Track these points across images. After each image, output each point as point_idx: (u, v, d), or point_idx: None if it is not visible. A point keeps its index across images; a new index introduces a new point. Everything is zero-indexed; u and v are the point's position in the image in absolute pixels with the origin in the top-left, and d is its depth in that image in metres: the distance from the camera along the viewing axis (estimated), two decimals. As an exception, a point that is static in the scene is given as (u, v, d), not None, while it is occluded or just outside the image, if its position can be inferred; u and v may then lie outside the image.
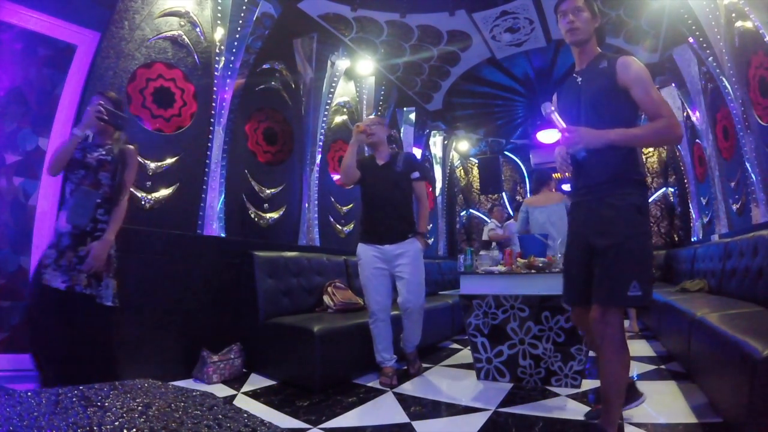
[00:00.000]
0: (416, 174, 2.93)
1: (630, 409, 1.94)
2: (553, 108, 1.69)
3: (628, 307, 1.61)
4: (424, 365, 3.27)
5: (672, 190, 6.43)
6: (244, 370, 3.00)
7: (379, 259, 2.81)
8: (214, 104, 3.29)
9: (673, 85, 4.84)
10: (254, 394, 2.54)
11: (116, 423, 0.73)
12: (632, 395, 1.94)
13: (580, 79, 1.75)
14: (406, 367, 3.03)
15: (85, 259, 1.99)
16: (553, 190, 4.21)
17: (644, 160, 6.65)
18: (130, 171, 2.21)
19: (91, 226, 2.05)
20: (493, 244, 5.84)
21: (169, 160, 3.03)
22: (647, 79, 1.59)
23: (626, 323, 3.93)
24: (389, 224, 2.82)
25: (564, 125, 1.64)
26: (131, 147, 2.23)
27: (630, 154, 1.64)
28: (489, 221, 6.60)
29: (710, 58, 3.58)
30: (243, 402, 2.41)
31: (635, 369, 2.92)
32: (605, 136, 1.55)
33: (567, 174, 1.77)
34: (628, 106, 1.62)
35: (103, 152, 2.14)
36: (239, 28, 3.38)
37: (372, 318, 2.80)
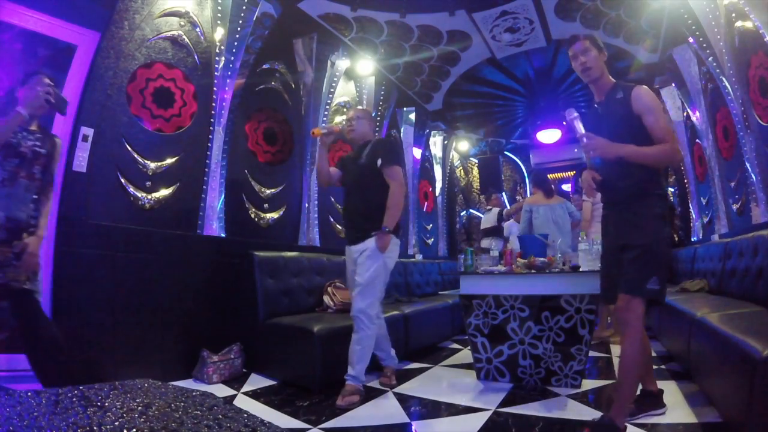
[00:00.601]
0: (379, 161, 2.58)
1: (650, 417, 1.95)
2: (576, 114, 1.88)
3: (647, 299, 1.78)
4: (425, 365, 3.27)
5: (672, 190, 6.42)
6: (244, 370, 3.00)
7: (351, 260, 2.66)
8: (214, 104, 3.29)
9: (673, 85, 4.83)
10: (254, 394, 2.54)
11: (116, 423, 0.74)
12: (657, 403, 2.00)
13: (600, 110, 1.97)
14: (405, 367, 3.00)
15: (21, 255, 1.94)
16: (552, 189, 4.26)
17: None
18: (56, 165, 2.14)
19: (26, 221, 2.00)
20: (493, 244, 5.84)
21: (169, 160, 3.03)
22: (657, 108, 1.82)
23: None
24: (353, 223, 2.63)
25: (583, 131, 1.83)
26: (59, 139, 2.16)
27: (648, 171, 1.83)
28: (485, 212, 6.55)
29: (710, 58, 3.58)
30: (243, 402, 2.41)
31: (635, 369, 2.92)
32: (618, 149, 1.78)
33: (592, 195, 1.90)
34: (643, 130, 1.82)
35: (38, 143, 2.05)
36: (239, 28, 3.38)
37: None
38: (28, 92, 2.01)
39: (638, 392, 2.03)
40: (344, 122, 2.65)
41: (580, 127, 1.85)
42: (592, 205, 3.98)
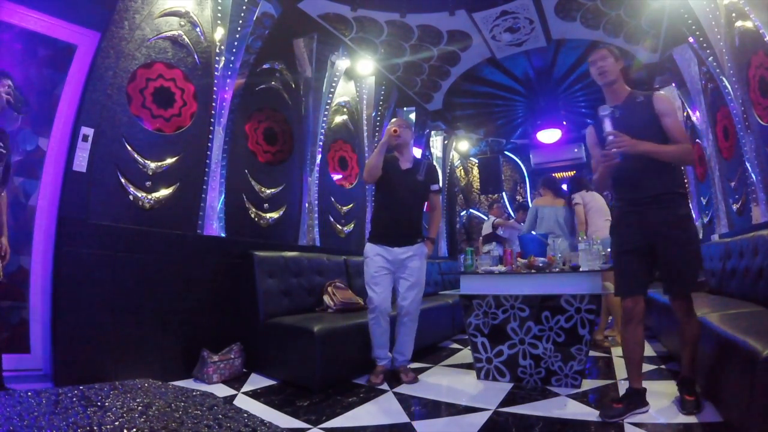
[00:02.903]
0: (436, 186, 3.02)
1: (635, 415, 1.96)
2: (609, 111, 1.99)
3: (699, 290, 2.05)
4: (425, 365, 3.28)
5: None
6: (244, 370, 3.00)
7: (385, 260, 2.81)
8: (214, 104, 3.29)
9: (673, 85, 4.83)
10: (254, 394, 2.54)
11: (116, 423, 0.74)
12: (641, 402, 2.01)
13: (619, 112, 2.08)
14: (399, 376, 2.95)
15: None
16: (558, 194, 4.46)
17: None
18: (11, 162, 2.16)
19: None
20: (494, 243, 5.85)
21: (169, 160, 3.03)
22: (675, 111, 2.02)
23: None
24: (402, 228, 2.85)
25: (611, 129, 1.95)
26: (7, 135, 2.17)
27: (675, 171, 2.00)
28: (487, 218, 6.67)
29: (710, 58, 3.57)
30: (243, 402, 2.41)
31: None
32: (641, 146, 1.91)
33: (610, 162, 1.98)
34: (662, 131, 1.99)
35: (1, 144, 2.06)
36: (239, 28, 3.38)
37: (373, 314, 2.76)
38: None
39: (626, 390, 2.06)
40: (391, 128, 2.83)
41: (608, 125, 1.96)
42: (585, 206, 4.09)
